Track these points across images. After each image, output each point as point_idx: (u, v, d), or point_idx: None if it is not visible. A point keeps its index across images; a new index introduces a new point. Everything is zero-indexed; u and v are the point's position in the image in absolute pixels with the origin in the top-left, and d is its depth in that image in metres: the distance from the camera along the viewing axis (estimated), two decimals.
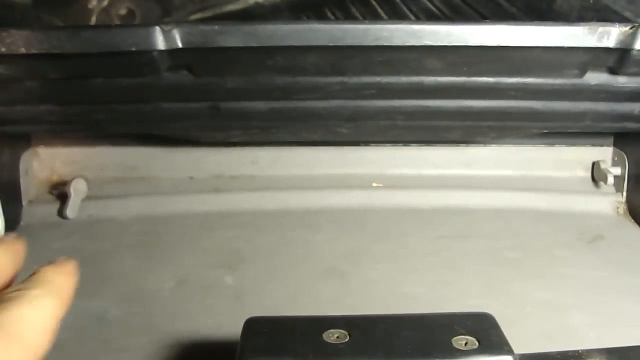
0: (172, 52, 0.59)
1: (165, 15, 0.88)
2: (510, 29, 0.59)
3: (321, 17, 0.89)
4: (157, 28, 0.58)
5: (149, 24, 0.59)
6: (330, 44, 0.58)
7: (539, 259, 0.69)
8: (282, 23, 0.58)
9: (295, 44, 0.58)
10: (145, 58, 0.59)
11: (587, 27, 0.59)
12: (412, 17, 0.87)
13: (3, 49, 0.58)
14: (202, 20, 0.85)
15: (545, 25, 0.59)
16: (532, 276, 0.66)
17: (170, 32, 0.58)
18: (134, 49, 0.58)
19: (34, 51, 0.58)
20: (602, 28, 0.59)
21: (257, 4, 0.90)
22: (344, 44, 0.58)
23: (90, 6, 0.81)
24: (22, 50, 0.58)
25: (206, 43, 0.59)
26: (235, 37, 0.58)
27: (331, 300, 0.63)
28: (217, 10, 0.90)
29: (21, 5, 0.76)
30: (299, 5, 0.90)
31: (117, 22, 0.81)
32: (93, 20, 0.80)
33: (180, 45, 0.58)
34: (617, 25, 0.59)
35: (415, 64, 0.62)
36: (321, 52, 0.60)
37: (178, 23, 0.58)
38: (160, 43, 0.58)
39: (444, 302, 0.63)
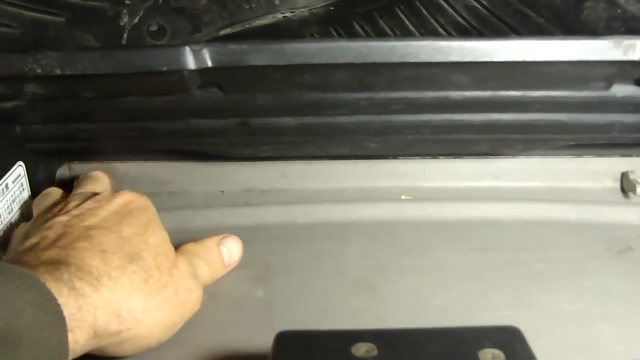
0: (202, 71, 0.60)
1: (195, 31, 0.89)
2: (535, 44, 0.59)
3: (349, 31, 0.90)
4: (187, 48, 0.59)
5: (179, 44, 0.60)
6: (358, 61, 0.59)
7: (567, 270, 0.69)
8: (309, 41, 0.60)
9: (322, 61, 0.60)
10: (176, 77, 0.61)
11: (612, 40, 0.59)
12: (440, 29, 0.88)
13: (39, 70, 0.60)
14: (232, 36, 0.86)
15: (570, 39, 0.60)
16: (560, 288, 0.66)
17: (200, 51, 0.60)
18: (165, 68, 0.59)
19: (68, 72, 0.60)
20: (627, 41, 0.59)
21: (285, 18, 0.91)
22: (371, 61, 0.59)
23: (122, 23, 0.82)
24: (57, 71, 0.60)
25: (235, 62, 0.60)
26: (263, 55, 0.60)
27: (361, 313, 0.63)
28: (246, 25, 0.91)
29: (55, 23, 0.78)
30: (327, 19, 0.91)
31: (148, 38, 0.82)
32: (125, 36, 0.82)
33: (210, 64, 0.60)
34: None
35: (442, 79, 0.63)
36: (349, 68, 0.61)
37: (207, 42, 0.60)
38: (191, 63, 0.60)
39: (473, 314, 0.63)
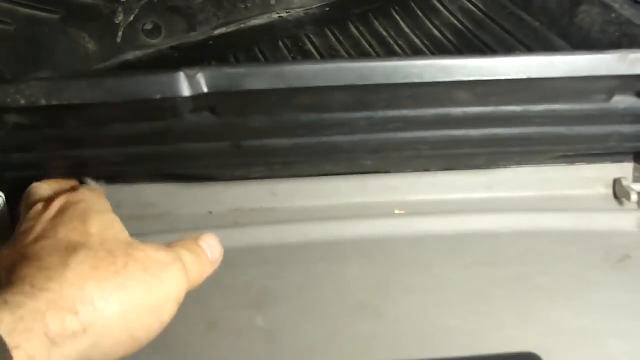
0: (196, 97, 0.58)
1: (191, 30, 0.88)
2: (541, 60, 0.58)
3: (345, 31, 0.89)
4: (182, 74, 0.56)
5: (172, 69, 0.57)
6: (360, 83, 0.57)
7: (568, 283, 0.69)
8: (309, 63, 0.57)
9: (323, 84, 0.57)
10: (168, 104, 0.58)
11: (617, 54, 0.58)
12: (436, 32, 0.87)
13: (22, 102, 0.56)
14: (227, 36, 0.84)
15: (575, 54, 0.58)
16: (564, 302, 0.66)
17: (195, 77, 0.57)
18: (158, 96, 0.57)
19: (54, 102, 0.56)
20: (633, 55, 0.58)
21: (281, 18, 0.90)
22: (374, 83, 0.57)
23: (117, 21, 0.81)
24: (43, 102, 0.56)
25: (232, 86, 0.57)
26: (262, 79, 0.57)
27: (367, 338, 0.62)
28: (242, 25, 0.90)
29: (50, 20, 0.76)
30: (323, 20, 0.90)
31: (143, 36, 0.81)
32: (120, 35, 0.80)
33: (205, 90, 0.57)
34: None
35: (444, 97, 0.61)
36: (349, 89, 0.59)
37: (202, 67, 0.57)
38: (186, 89, 0.57)
39: (482, 335, 0.62)
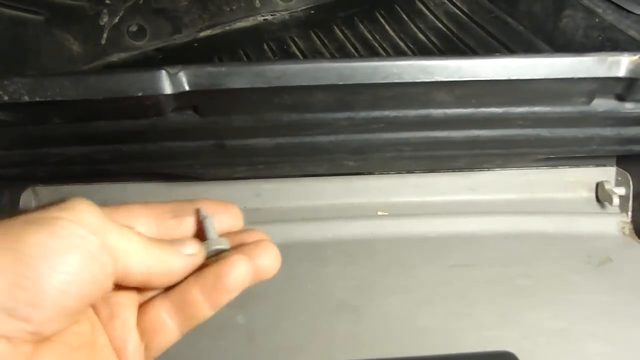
0: (177, 95, 0.58)
1: (176, 32, 0.88)
2: (521, 62, 0.58)
3: (329, 34, 0.89)
4: (163, 72, 0.56)
5: (154, 68, 0.57)
6: (340, 83, 0.57)
7: (549, 285, 0.69)
8: (290, 62, 0.57)
9: (304, 83, 0.57)
10: (151, 101, 0.58)
11: (596, 57, 0.59)
12: (420, 35, 0.88)
13: (5, 98, 0.56)
14: (212, 38, 0.84)
15: (555, 56, 0.59)
16: (545, 304, 0.66)
17: (177, 75, 0.57)
18: (140, 94, 0.57)
19: (37, 99, 0.56)
20: (611, 58, 0.58)
21: (266, 21, 0.91)
22: (354, 82, 0.58)
23: (101, 23, 0.81)
24: (26, 98, 0.56)
25: (213, 85, 0.57)
26: (243, 78, 0.57)
27: (346, 337, 0.62)
28: (227, 27, 0.90)
29: (34, 21, 0.75)
30: (308, 23, 0.91)
31: (128, 38, 0.81)
32: (104, 36, 0.80)
33: (187, 88, 0.57)
34: (625, 54, 0.59)
35: (424, 98, 0.62)
36: (330, 89, 0.59)
37: (184, 66, 0.57)
38: (167, 87, 0.57)
39: (460, 335, 0.62)
